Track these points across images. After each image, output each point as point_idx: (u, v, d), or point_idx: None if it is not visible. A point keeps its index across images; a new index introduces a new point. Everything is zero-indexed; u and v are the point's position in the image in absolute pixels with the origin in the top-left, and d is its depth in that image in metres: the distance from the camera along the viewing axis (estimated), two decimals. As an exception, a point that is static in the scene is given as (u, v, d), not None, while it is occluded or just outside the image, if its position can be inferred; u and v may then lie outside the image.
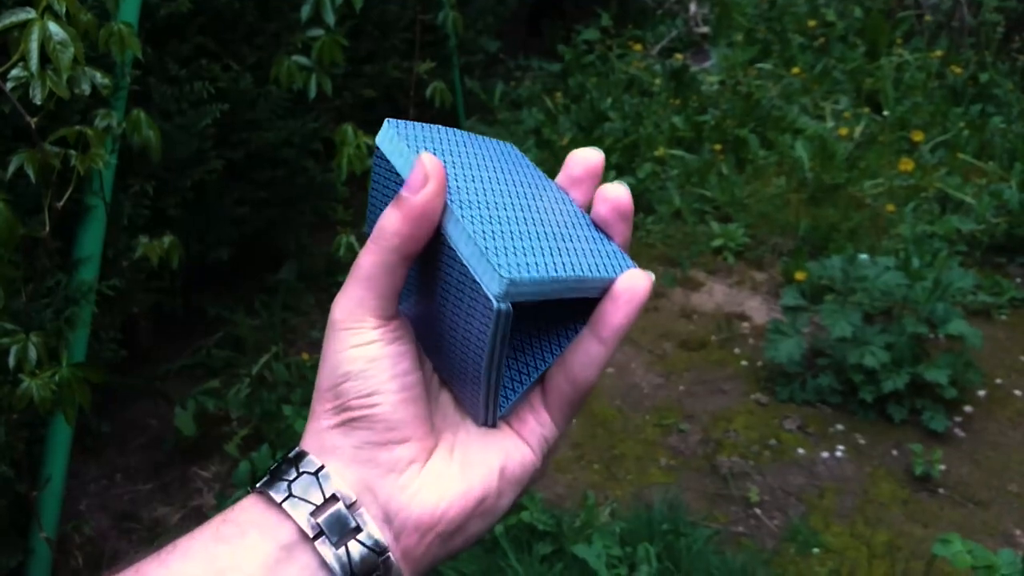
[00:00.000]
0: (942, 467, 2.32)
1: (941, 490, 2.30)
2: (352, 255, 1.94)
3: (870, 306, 2.56)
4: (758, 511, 2.27)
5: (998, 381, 2.63)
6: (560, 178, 0.52)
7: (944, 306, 2.48)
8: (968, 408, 2.54)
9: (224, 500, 2.20)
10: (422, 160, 0.43)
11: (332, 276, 2.93)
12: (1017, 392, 2.61)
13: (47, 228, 1.21)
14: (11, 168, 1.16)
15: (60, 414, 1.28)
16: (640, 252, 3.20)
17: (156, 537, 2.16)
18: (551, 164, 3.82)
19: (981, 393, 2.59)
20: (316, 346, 2.76)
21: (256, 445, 2.31)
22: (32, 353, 1.15)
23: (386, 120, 0.47)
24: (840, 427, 2.50)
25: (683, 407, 2.59)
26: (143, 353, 2.55)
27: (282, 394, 2.48)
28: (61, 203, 1.22)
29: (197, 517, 2.25)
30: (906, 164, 3.54)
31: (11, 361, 1.14)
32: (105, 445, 2.39)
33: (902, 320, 2.48)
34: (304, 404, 2.41)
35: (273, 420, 2.35)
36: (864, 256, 2.69)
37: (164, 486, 2.35)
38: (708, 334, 2.87)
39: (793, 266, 2.97)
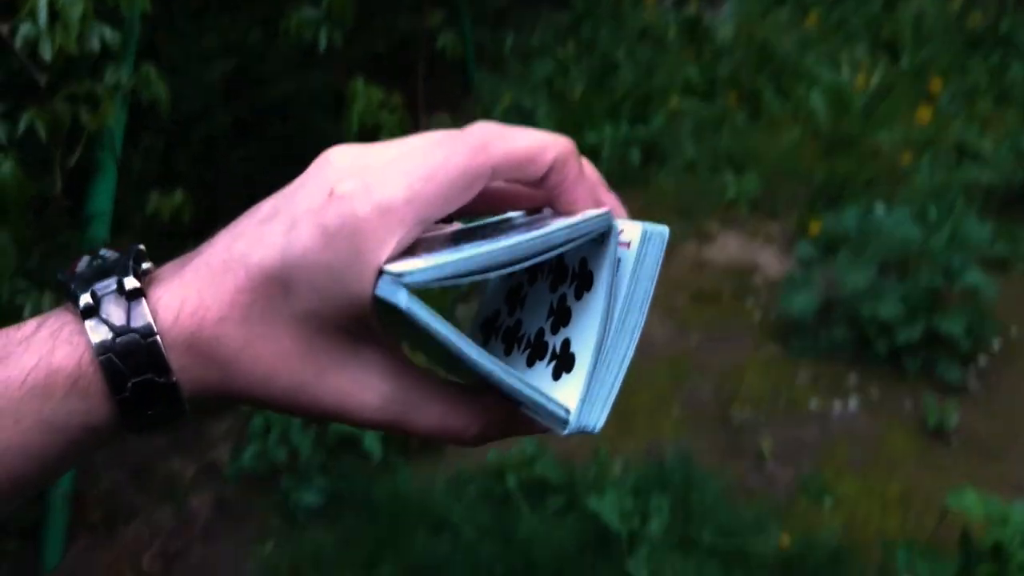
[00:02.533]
0: (956, 419, 2.32)
1: (954, 441, 2.30)
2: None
3: (885, 258, 2.54)
4: (770, 463, 2.27)
5: (1013, 333, 2.62)
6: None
7: (960, 257, 2.46)
8: (983, 359, 2.53)
9: (239, 454, 2.22)
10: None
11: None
12: (1033, 343, 2.60)
13: (59, 186, 1.20)
14: (21, 126, 1.15)
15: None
16: (653, 204, 3.17)
17: (172, 490, 2.19)
18: (561, 115, 3.78)
19: (996, 344, 2.57)
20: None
21: (270, 399, 2.32)
22: (47, 309, 1.15)
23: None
24: (853, 379, 2.49)
25: (696, 360, 2.59)
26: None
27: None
28: (73, 161, 1.21)
29: (211, 471, 2.28)
30: (923, 114, 3.49)
31: (25, 317, 1.14)
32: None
33: (917, 272, 2.46)
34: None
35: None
36: (880, 208, 2.66)
37: (179, 440, 2.36)
38: (721, 286, 2.85)
39: (808, 218, 2.94)
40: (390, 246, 0.35)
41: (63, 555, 1.87)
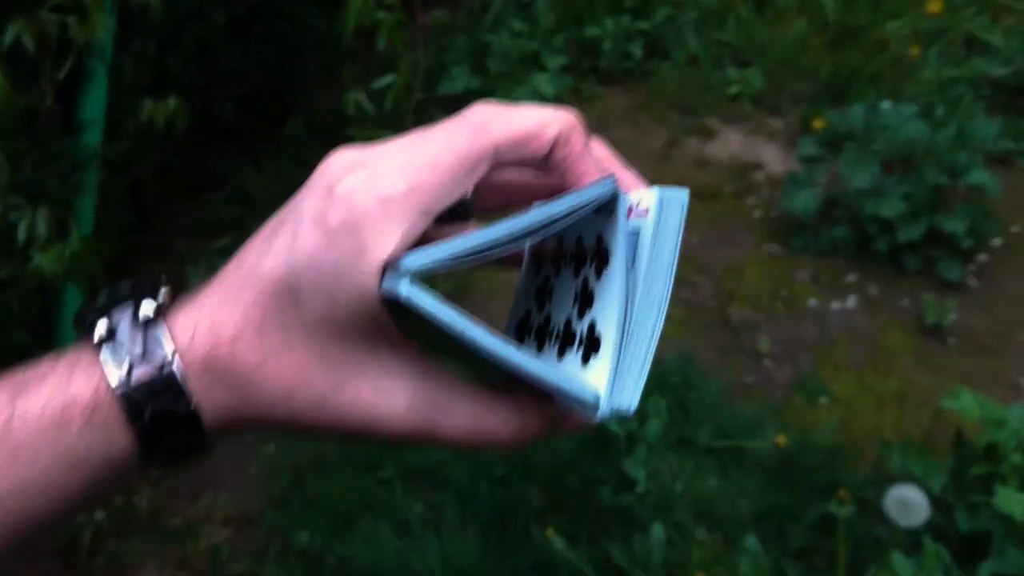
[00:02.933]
0: (953, 317, 2.32)
1: (951, 339, 2.31)
2: (361, 113, 1.89)
3: (890, 155, 2.50)
4: (768, 362, 2.29)
5: (1014, 229, 2.60)
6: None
7: (966, 155, 2.42)
8: (983, 257, 2.52)
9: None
10: None
11: (340, 130, 2.87)
12: (1034, 240, 2.59)
13: (48, 100, 1.17)
14: (8, 37, 1.11)
15: (72, 285, 1.28)
16: (655, 100, 3.11)
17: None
18: (561, 8, 3.67)
19: (996, 242, 2.56)
20: (326, 201, 2.73)
21: (269, 302, 2.32)
22: (41, 228, 1.14)
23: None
24: (853, 277, 2.49)
25: (696, 259, 2.58)
26: (151, 213, 2.53)
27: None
28: (62, 74, 1.17)
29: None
30: (934, 4, 3.40)
31: (20, 236, 1.13)
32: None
33: (922, 169, 2.43)
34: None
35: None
36: (886, 104, 2.61)
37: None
38: (722, 184, 2.83)
39: (812, 113, 2.89)
40: (395, 238, 0.34)
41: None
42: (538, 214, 0.35)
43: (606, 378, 0.36)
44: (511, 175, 0.40)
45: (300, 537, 1.84)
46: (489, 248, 0.34)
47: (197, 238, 2.57)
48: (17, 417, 0.35)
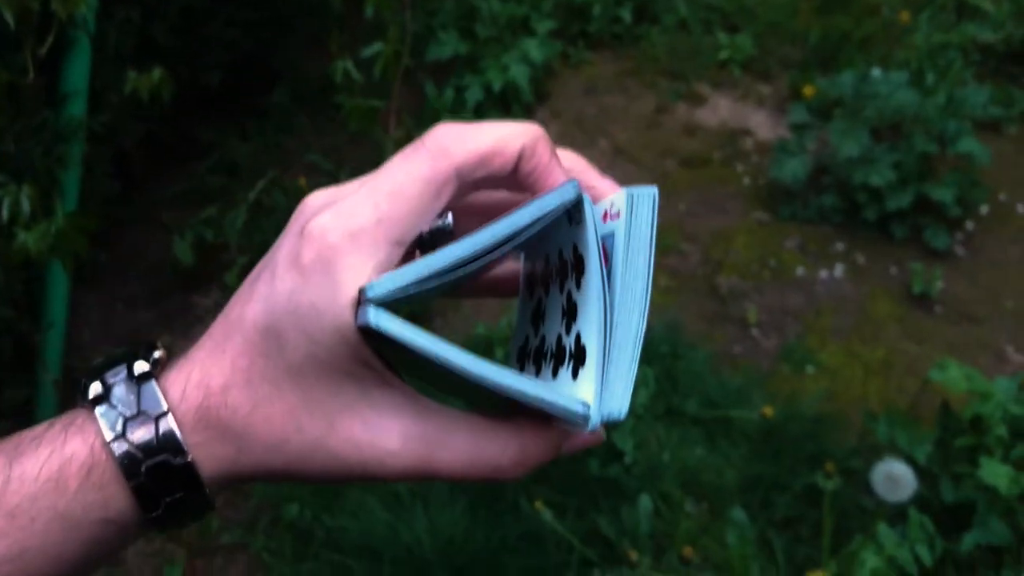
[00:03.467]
0: (940, 285, 2.33)
1: (938, 308, 2.32)
2: (349, 81, 1.86)
3: (879, 123, 2.49)
4: (755, 331, 2.30)
5: (1001, 197, 2.61)
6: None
7: (955, 124, 2.42)
8: (970, 225, 2.52)
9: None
10: None
11: (328, 98, 2.84)
12: (1020, 208, 2.59)
13: (31, 75, 1.15)
14: (-14, 13, 1.09)
15: (57, 261, 1.27)
16: (644, 65, 3.09)
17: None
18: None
19: (984, 210, 2.56)
20: (312, 169, 2.71)
21: (256, 273, 2.31)
22: (25, 205, 1.12)
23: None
24: (840, 246, 2.49)
25: (684, 227, 2.58)
26: (137, 182, 2.51)
27: (280, 221, 2.45)
28: (44, 49, 1.15)
29: (201, 345, 2.28)
30: (924, -34, 3.36)
31: (4, 214, 1.11)
32: (104, 275, 2.39)
33: (911, 138, 2.43)
34: (303, 233, 2.38)
35: (271, 249, 2.33)
36: (876, 71, 2.60)
37: (165, 315, 2.36)
38: (711, 151, 2.81)
39: (801, 80, 2.87)
40: (367, 271, 0.34)
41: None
42: (501, 226, 0.34)
43: (593, 387, 0.35)
44: (487, 196, 0.40)
45: (290, 509, 1.84)
46: (456, 266, 0.34)
47: (183, 208, 2.55)
48: (14, 479, 0.35)
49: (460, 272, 0.34)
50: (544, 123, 2.89)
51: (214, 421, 0.36)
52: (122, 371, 0.37)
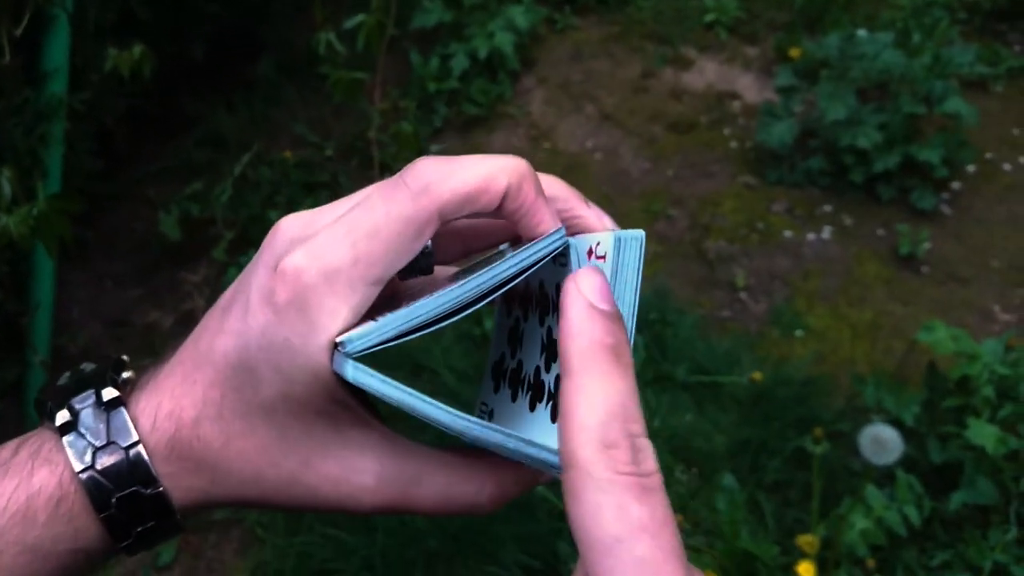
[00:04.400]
0: (927, 246, 2.34)
1: (925, 268, 2.33)
2: (333, 53, 1.84)
3: (865, 84, 2.49)
4: (743, 295, 2.30)
5: (988, 155, 2.61)
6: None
7: (942, 84, 2.41)
8: (956, 185, 2.53)
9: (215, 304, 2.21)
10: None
11: (313, 69, 2.82)
12: (1006, 166, 2.59)
13: (7, 57, 1.14)
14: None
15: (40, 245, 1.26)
16: (630, 30, 3.06)
17: (150, 343, 2.20)
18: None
19: (971, 169, 2.57)
20: (298, 141, 2.69)
21: (244, 248, 2.30)
22: (6, 188, 1.11)
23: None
24: (828, 208, 2.50)
25: (671, 192, 2.58)
26: (121, 158, 2.49)
27: (266, 194, 2.44)
28: (20, 30, 1.14)
29: (190, 321, 2.28)
30: (909, -77, 3.34)
31: (-15, 198, 1.11)
32: (91, 252, 2.38)
33: (898, 98, 2.42)
34: (289, 207, 2.37)
35: (258, 223, 2.32)
36: (862, 32, 2.59)
37: (154, 291, 2.35)
38: (698, 115, 2.80)
39: (787, 42, 2.86)
40: (342, 314, 0.33)
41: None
42: (485, 279, 0.34)
43: None
44: (468, 221, 0.39)
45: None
46: (436, 320, 0.33)
47: (169, 183, 2.53)
48: None
49: (440, 325, 0.34)
50: (530, 90, 2.88)
51: (186, 453, 0.35)
52: (90, 397, 0.36)
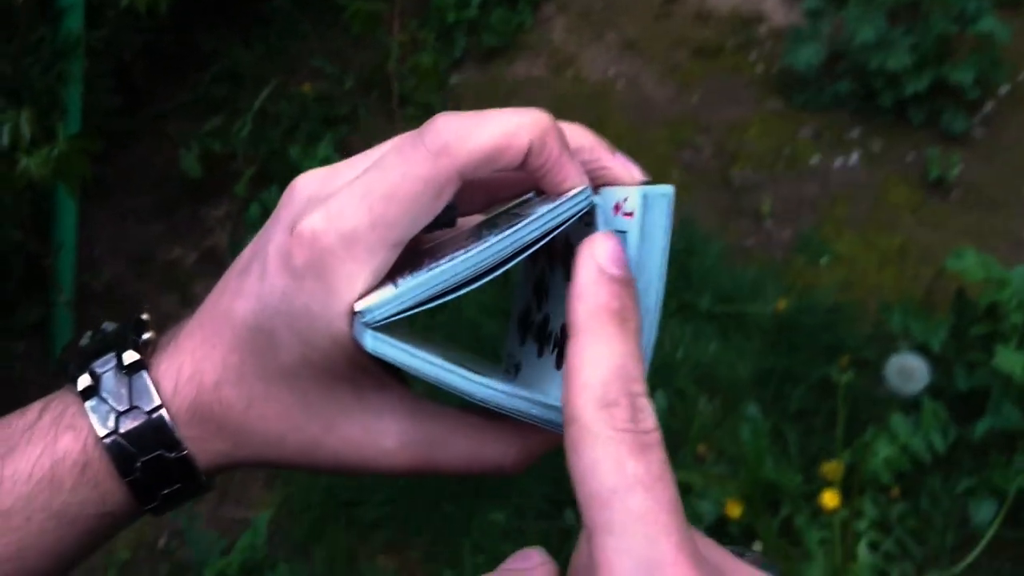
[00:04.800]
0: (957, 170, 2.29)
1: (954, 194, 2.29)
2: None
3: (896, 5, 2.42)
4: (769, 223, 2.28)
5: (1021, 77, 2.54)
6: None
7: (975, 2, 2.34)
8: (989, 106, 2.47)
9: (237, 242, 2.22)
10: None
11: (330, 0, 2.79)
12: (1041, 87, 2.53)
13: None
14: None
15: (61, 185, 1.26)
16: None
17: (174, 279, 2.21)
18: None
19: (1003, 90, 2.50)
20: (316, 74, 2.66)
21: (264, 184, 2.30)
22: (25, 129, 1.11)
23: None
24: (856, 133, 2.45)
25: (697, 119, 2.54)
26: (140, 95, 2.47)
27: (286, 129, 2.43)
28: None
29: (212, 258, 2.29)
30: None
31: (5, 140, 1.10)
32: (112, 189, 2.39)
33: (929, 18, 2.35)
34: (309, 142, 2.36)
35: (279, 158, 2.31)
36: (892, -51, 2.51)
37: (176, 227, 2.36)
38: (723, 40, 2.74)
39: (815, -40, 2.78)
40: (361, 279, 0.32)
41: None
42: (507, 242, 0.33)
43: None
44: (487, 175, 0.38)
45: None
46: (456, 287, 0.32)
47: (188, 119, 2.52)
48: (6, 479, 0.34)
49: (461, 292, 0.33)
50: (550, 18, 2.82)
51: (208, 416, 0.35)
52: (111, 360, 0.36)
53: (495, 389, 0.33)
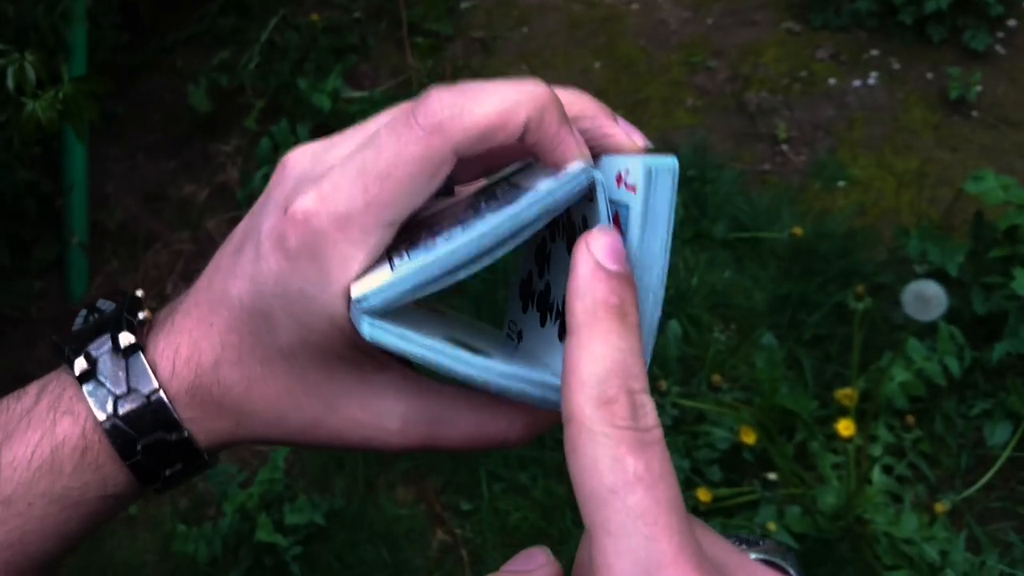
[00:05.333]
0: (978, 89, 2.25)
1: (975, 113, 2.25)
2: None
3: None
4: (785, 147, 2.25)
5: (1047, -10, 2.47)
6: None
7: (998, -86, 2.27)
8: (1012, 22, 2.41)
9: (249, 176, 2.21)
10: None
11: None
12: (1067, 0, 2.46)
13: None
14: None
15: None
16: None
17: (187, 216, 2.21)
18: None
19: (1027, 5, 2.44)
20: (324, 4, 2.62)
21: (274, 117, 2.27)
22: (30, 73, 1.10)
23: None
24: (875, 52, 2.40)
25: (711, 42, 2.49)
26: (146, 29, 2.44)
27: (294, 61, 2.40)
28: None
29: (223, 193, 2.29)
30: None
31: (10, 84, 1.09)
32: (122, 126, 2.37)
33: (950, -68, 2.29)
34: (318, 74, 2.33)
35: (288, 91, 2.29)
36: None
37: (187, 163, 2.35)
38: (738, -42, 2.68)
39: None
40: (357, 260, 0.31)
41: (88, 286, 1.93)
42: (505, 224, 0.32)
43: None
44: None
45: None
46: (454, 270, 0.32)
47: (195, 52, 2.50)
48: (6, 466, 0.34)
49: (459, 275, 0.32)
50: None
51: (208, 398, 0.35)
52: (106, 342, 0.35)
53: (495, 373, 0.32)
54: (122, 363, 0.35)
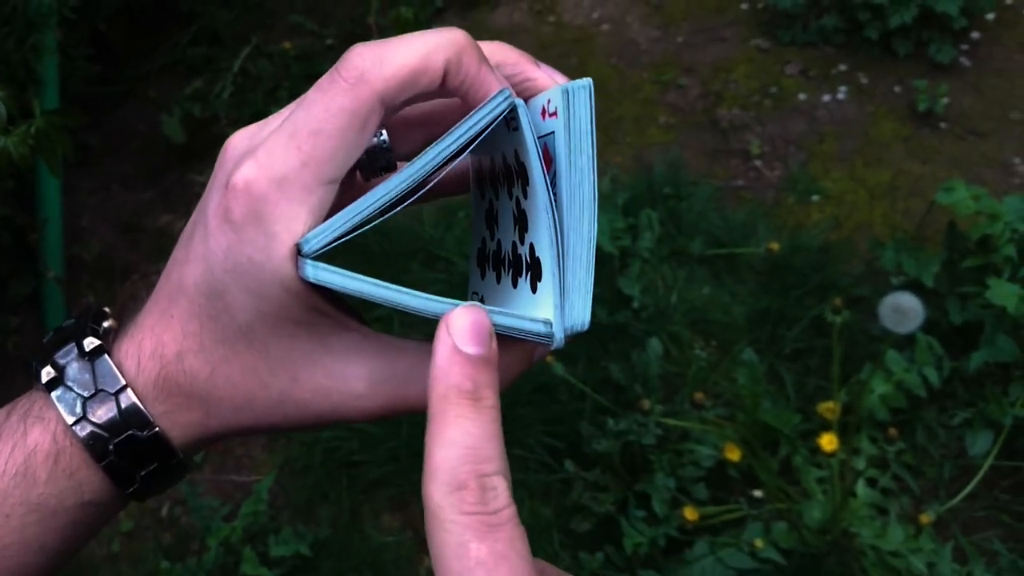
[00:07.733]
0: (945, 101, 2.28)
1: (943, 124, 2.28)
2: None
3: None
4: (758, 163, 2.27)
5: (1008, 1, 2.52)
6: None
7: (959, -71, 2.31)
8: (975, 35, 2.45)
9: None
10: None
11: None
12: (1028, 13, 2.50)
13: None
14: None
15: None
16: None
17: (164, 247, 2.19)
18: None
19: (990, 17, 2.48)
20: (296, 31, 2.62)
21: (249, 144, 2.26)
22: (1, 109, 1.09)
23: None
24: (843, 67, 2.43)
25: (682, 60, 2.51)
26: (118, 60, 2.43)
27: (268, 89, 2.39)
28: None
29: (202, 223, 2.26)
30: None
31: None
32: (97, 156, 2.36)
33: (913, -52, 2.32)
34: (292, 100, 2.32)
35: (262, 119, 2.28)
36: None
37: (163, 193, 2.34)
38: (706, -23, 2.70)
39: None
40: (300, 219, 0.32)
41: (64, 320, 1.89)
42: (431, 155, 0.33)
43: (552, 303, 0.35)
44: (420, 108, 0.38)
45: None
46: (391, 205, 0.33)
47: (168, 82, 2.49)
48: None
49: (396, 210, 0.33)
50: (530, -38, 2.77)
51: (175, 389, 0.35)
52: (72, 349, 0.35)
53: (445, 302, 0.33)
54: (88, 366, 0.35)
